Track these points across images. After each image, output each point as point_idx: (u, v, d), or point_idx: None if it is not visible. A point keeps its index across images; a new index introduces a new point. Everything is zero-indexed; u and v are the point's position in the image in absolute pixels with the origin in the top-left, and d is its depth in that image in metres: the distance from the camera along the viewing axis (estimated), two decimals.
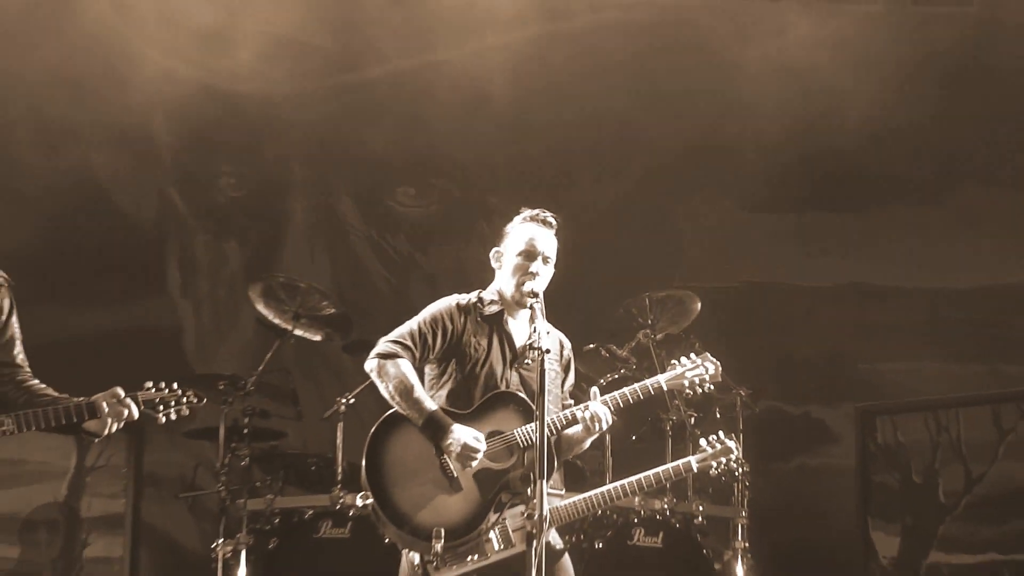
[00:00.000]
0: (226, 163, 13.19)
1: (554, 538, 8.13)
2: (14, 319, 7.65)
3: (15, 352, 7.65)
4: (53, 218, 12.54)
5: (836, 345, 13.04)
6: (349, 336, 11.22)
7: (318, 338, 11.28)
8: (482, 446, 8.02)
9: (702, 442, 8.61)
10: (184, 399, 7.80)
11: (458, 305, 8.30)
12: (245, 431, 10.82)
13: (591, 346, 10.87)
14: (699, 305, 11.09)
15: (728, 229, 13.19)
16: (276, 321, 11.13)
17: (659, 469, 8.52)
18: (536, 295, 8.07)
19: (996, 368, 12.26)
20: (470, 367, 8.26)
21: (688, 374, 8.41)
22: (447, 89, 12.15)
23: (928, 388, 11.85)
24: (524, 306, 8.16)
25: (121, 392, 7.58)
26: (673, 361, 8.57)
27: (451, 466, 8.07)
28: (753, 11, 12.53)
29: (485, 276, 8.51)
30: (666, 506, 10.68)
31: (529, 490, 7.78)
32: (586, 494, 8.37)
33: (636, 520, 10.57)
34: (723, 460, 8.55)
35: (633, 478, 8.43)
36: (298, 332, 11.14)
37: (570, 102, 12.51)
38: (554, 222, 8.28)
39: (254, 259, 13.10)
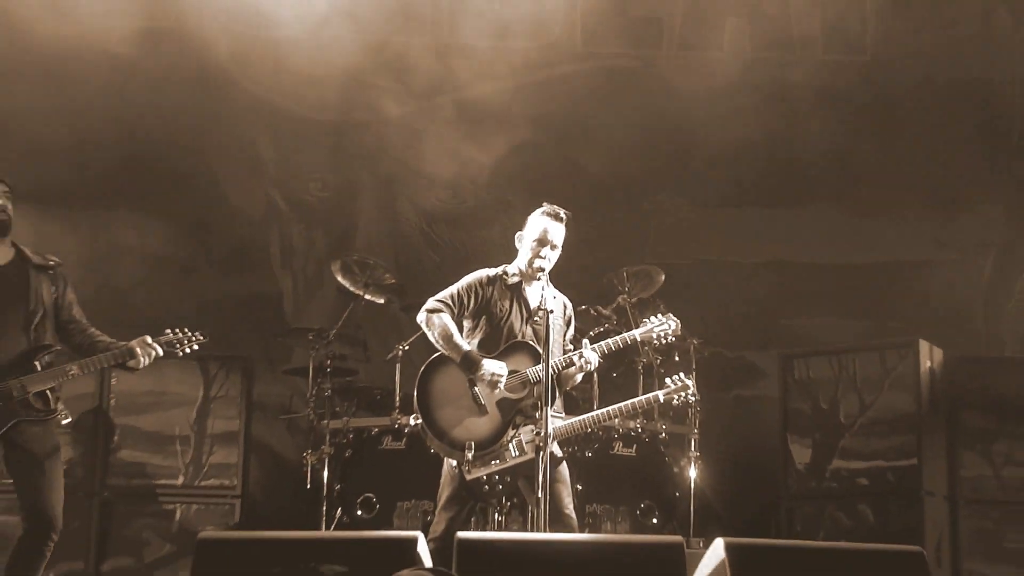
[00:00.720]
0: (314, 172, 13.18)
1: (556, 449, 8.18)
2: (70, 290, 8.06)
3: (74, 312, 8.05)
4: (190, 218, 12.60)
5: (765, 306, 13.03)
6: (404, 300, 11.23)
7: (381, 301, 11.29)
8: (505, 372, 8.10)
9: (667, 380, 8.66)
10: (192, 337, 8.22)
11: (488, 276, 8.41)
12: (328, 370, 10.85)
13: (583, 307, 10.85)
14: (663, 277, 11.10)
15: (684, 220, 13.17)
16: (351, 288, 11.14)
17: (635, 400, 8.59)
18: (543, 270, 8.18)
19: (883, 323, 12.31)
20: (496, 323, 8.36)
21: (656, 329, 8.47)
22: (472, 120, 12.16)
23: (832, 337, 11.87)
24: (535, 279, 8.22)
25: (149, 338, 8.01)
26: (644, 319, 8.63)
27: (480, 395, 8.13)
28: (705, 61, 12.52)
29: (503, 255, 8.60)
30: (638, 426, 10.69)
31: (537, 414, 7.88)
32: (580, 417, 8.44)
33: (616, 436, 10.57)
34: (682, 394, 8.60)
35: (615, 406, 8.48)
36: (367, 297, 11.16)
37: (569, 126, 12.51)
38: (564, 216, 8.35)
39: (335, 243, 13.11)
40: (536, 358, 8.14)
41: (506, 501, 9.18)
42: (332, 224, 13.32)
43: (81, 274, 9.62)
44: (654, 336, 8.49)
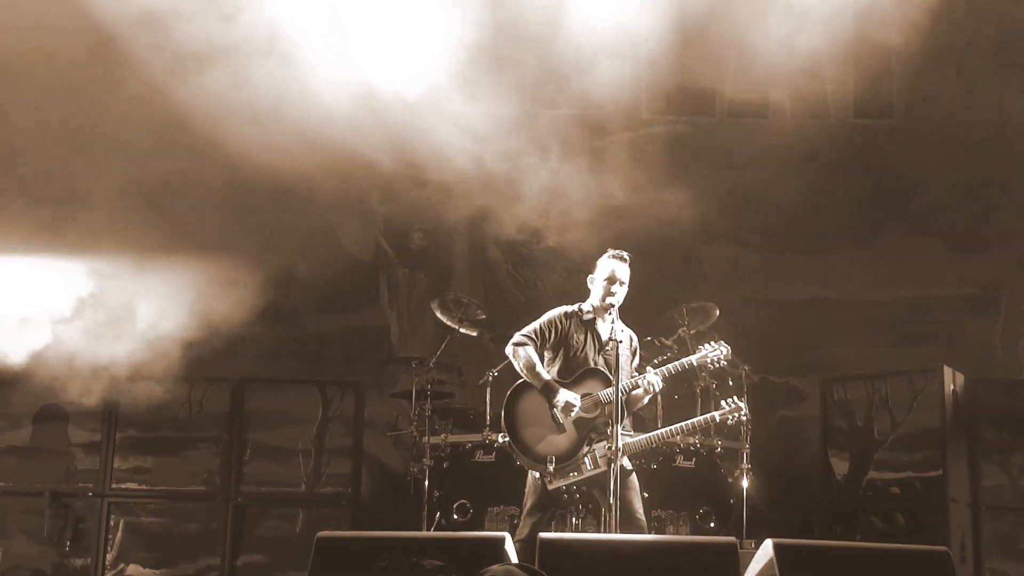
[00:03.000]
0: (417, 223, 13.21)
1: (626, 462, 8.14)
2: None
3: None
4: (311, 264, 12.65)
5: (806, 338, 12.90)
6: (493, 332, 11.23)
7: (474, 334, 11.25)
8: (578, 403, 8.09)
9: (723, 403, 8.67)
10: None
11: (565, 313, 8.46)
12: (428, 393, 10.83)
13: (648, 338, 10.82)
14: (718, 312, 11.00)
15: (736, 264, 13.10)
16: (448, 323, 11.13)
17: (694, 420, 8.62)
18: (613, 306, 8.23)
19: (910, 351, 12.15)
20: (572, 353, 8.39)
21: (710, 354, 8.46)
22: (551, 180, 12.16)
23: (866, 364, 11.71)
24: (607, 314, 8.23)
25: None
26: (700, 346, 8.60)
27: (558, 416, 8.11)
28: (751, 126, 12.48)
29: (575, 294, 8.69)
30: (696, 442, 10.59)
31: (608, 431, 7.83)
32: (647, 435, 8.43)
33: (678, 451, 10.47)
34: (736, 414, 8.57)
35: (677, 425, 8.51)
36: (462, 330, 11.15)
37: (636, 182, 12.46)
38: (627, 257, 8.40)
39: (434, 283, 13.11)
40: (606, 383, 8.14)
41: (582, 508, 9.13)
42: (431, 267, 13.34)
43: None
44: (708, 360, 8.47)
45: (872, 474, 10.14)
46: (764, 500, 11.25)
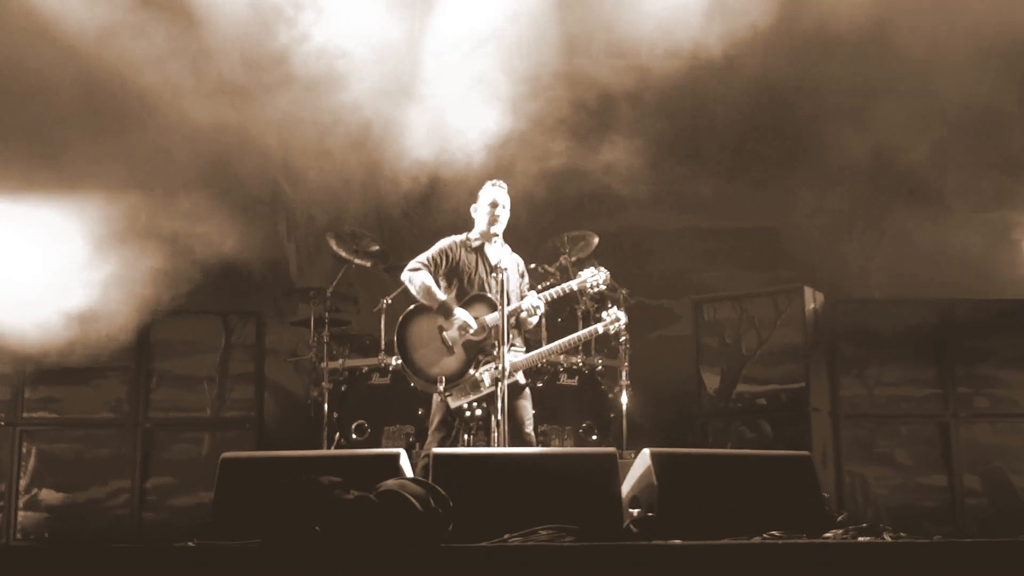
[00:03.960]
0: (313, 159, 13.00)
1: (520, 378, 8.18)
2: None
3: None
4: (213, 200, 12.38)
5: (680, 263, 13.04)
6: (387, 263, 11.19)
7: (369, 264, 11.22)
8: (473, 323, 8.10)
9: (603, 314, 8.68)
10: None
11: (456, 242, 8.49)
12: (326, 321, 10.82)
13: (532, 266, 10.83)
14: (597, 239, 11.08)
15: (615, 193, 13.10)
16: (344, 255, 11.08)
17: (580, 332, 8.66)
18: (498, 232, 8.44)
19: (776, 274, 12.29)
20: (467, 279, 8.38)
21: (588, 279, 8.48)
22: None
23: (734, 286, 11.80)
24: (493, 239, 8.39)
25: None
26: (580, 272, 8.62)
27: (448, 338, 8.10)
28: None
29: (464, 227, 8.70)
30: (579, 361, 10.67)
31: (496, 352, 7.83)
32: (535, 351, 8.41)
33: (561, 370, 10.57)
34: (616, 324, 8.59)
35: (562, 340, 8.49)
36: (357, 261, 11.10)
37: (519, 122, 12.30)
38: (504, 185, 8.54)
39: (332, 217, 12.98)
40: (493, 307, 8.12)
41: (474, 425, 9.16)
42: (327, 202, 13.19)
43: None
44: (588, 285, 8.50)
45: (741, 387, 10.24)
46: (642, 414, 11.35)
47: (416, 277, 8.32)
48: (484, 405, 8.20)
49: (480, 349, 8.16)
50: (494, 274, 8.33)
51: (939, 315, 10.09)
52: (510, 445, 7.75)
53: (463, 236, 8.56)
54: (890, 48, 10.94)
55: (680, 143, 12.75)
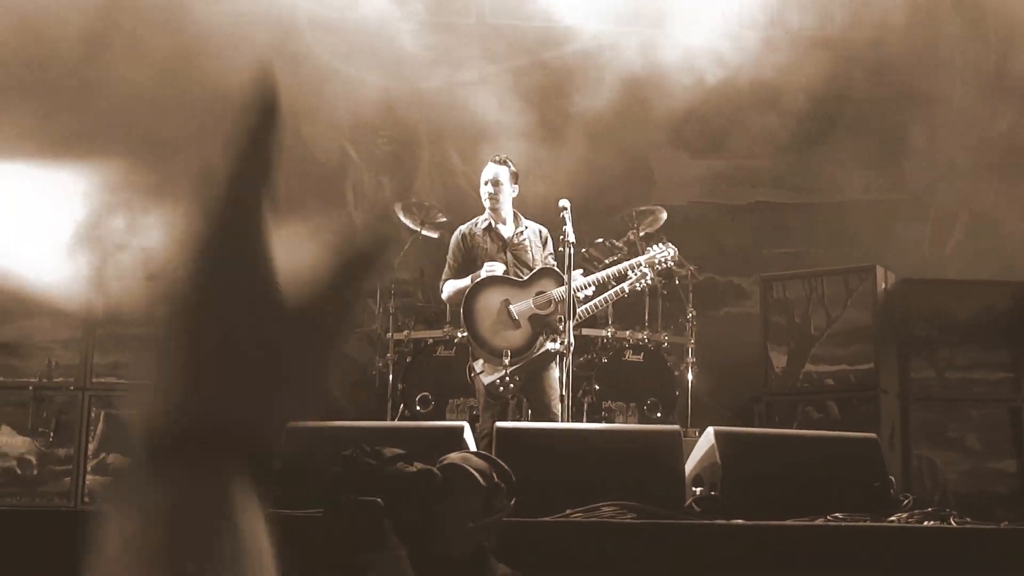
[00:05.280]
0: (382, 130, 13.14)
1: (551, 345, 8.22)
2: None
3: None
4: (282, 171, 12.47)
5: (750, 239, 12.98)
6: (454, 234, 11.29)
7: (435, 235, 11.27)
8: (499, 267, 8.27)
9: (649, 248, 8.67)
10: None
11: (462, 234, 8.77)
12: (392, 292, 10.91)
13: (600, 240, 10.89)
14: (665, 215, 11.06)
15: (683, 170, 13.12)
16: (411, 225, 11.15)
17: (618, 267, 8.57)
18: (497, 204, 8.58)
19: (846, 252, 12.14)
20: (481, 263, 8.39)
21: (657, 256, 8.48)
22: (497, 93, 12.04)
23: (804, 264, 11.74)
24: (501, 216, 8.66)
25: None
26: (648, 247, 8.62)
27: (514, 312, 8.13)
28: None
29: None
30: (645, 336, 10.69)
31: (561, 326, 7.87)
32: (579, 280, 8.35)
33: (627, 345, 10.59)
34: (664, 258, 8.55)
35: (602, 272, 8.52)
36: (424, 232, 11.17)
37: (587, 102, 12.31)
38: (505, 159, 8.72)
39: (399, 187, 13.10)
40: (559, 281, 8.13)
41: (514, 400, 9.21)
42: (396, 172, 13.31)
43: None
44: (656, 261, 8.50)
45: (808, 367, 10.18)
46: (707, 392, 11.36)
47: (445, 293, 8.51)
48: (517, 378, 8.18)
49: (546, 323, 8.20)
50: (508, 250, 8.40)
51: (1014, 298, 9.96)
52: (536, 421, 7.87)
53: (471, 222, 8.66)
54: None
55: (753, 116, 12.71)
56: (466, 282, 8.31)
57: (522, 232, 8.51)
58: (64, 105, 10.21)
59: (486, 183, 8.53)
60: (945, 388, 9.90)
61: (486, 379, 8.14)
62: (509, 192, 8.55)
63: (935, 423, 9.85)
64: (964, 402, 9.87)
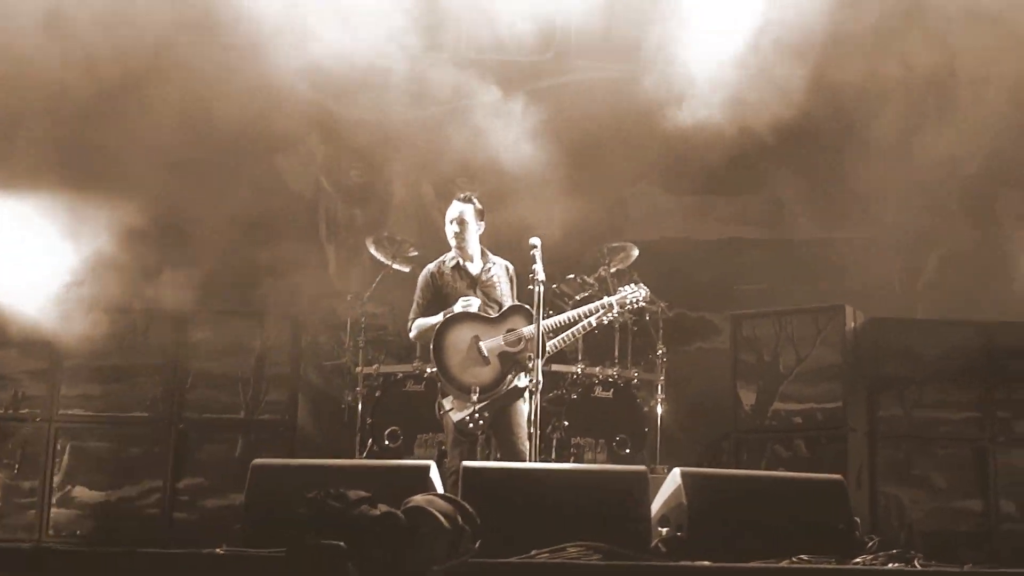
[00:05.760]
0: (355, 161, 13.14)
1: (520, 381, 8.20)
2: None
3: None
4: (253, 203, 12.49)
5: (721, 275, 13.02)
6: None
7: (407, 270, 11.27)
8: (473, 302, 8.36)
9: (621, 288, 8.66)
10: None
11: (430, 272, 8.75)
12: (363, 325, 10.92)
13: (571, 276, 10.92)
14: (636, 251, 11.11)
15: (657, 205, 13.16)
16: (382, 259, 11.17)
17: (588, 306, 8.53)
18: (461, 243, 8.60)
19: (815, 287, 12.26)
20: (451, 301, 8.44)
21: (629, 296, 8.48)
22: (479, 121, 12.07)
23: (774, 301, 11.77)
24: (468, 254, 8.64)
25: None
26: (620, 288, 8.64)
27: (483, 348, 8.14)
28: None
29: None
30: (615, 373, 10.71)
31: (531, 364, 7.88)
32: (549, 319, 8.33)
33: (596, 382, 10.62)
34: (635, 298, 8.55)
35: (573, 312, 8.47)
36: (395, 266, 11.18)
37: (564, 131, 12.34)
38: (467, 196, 8.74)
39: (371, 220, 13.10)
40: (530, 319, 8.13)
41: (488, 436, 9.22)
42: (368, 205, 13.30)
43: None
44: (628, 301, 8.50)
45: (777, 405, 10.21)
46: (677, 428, 11.39)
47: (414, 332, 8.58)
48: (486, 414, 8.14)
49: (515, 361, 8.20)
50: (478, 287, 8.42)
51: (983, 337, 10.02)
52: (503, 458, 7.88)
53: (439, 260, 8.67)
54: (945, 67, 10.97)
55: (723, 153, 12.77)
56: (437, 319, 8.33)
57: (490, 268, 8.55)
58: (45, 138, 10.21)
59: (451, 222, 8.55)
60: (912, 426, 9.94)
61: (455, 416, 8.13)
62: (475, 230, 8.57)
63: (902, 461, 9.89)
64: (931, 440, 9.92)
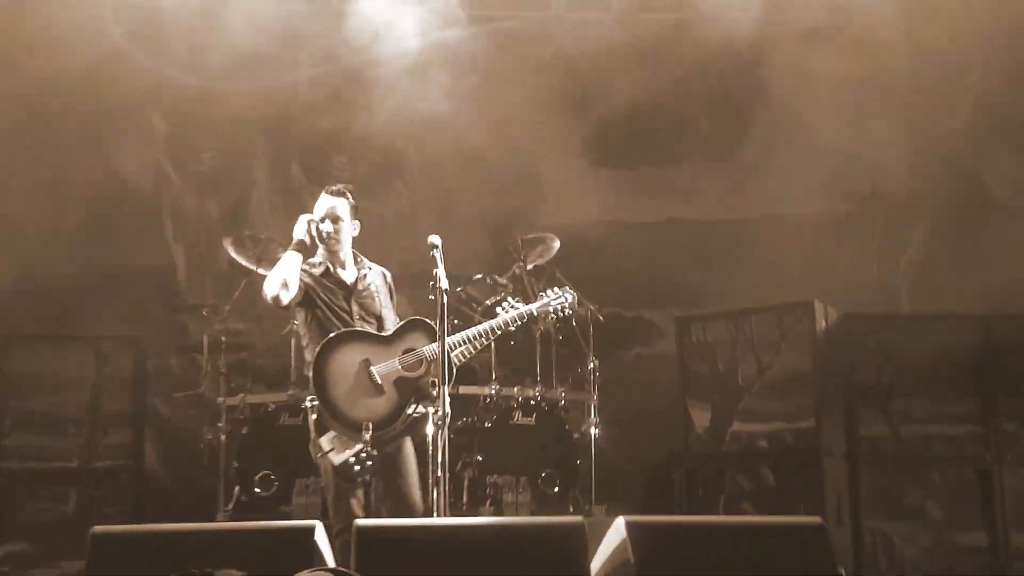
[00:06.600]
0: (206, 141, 13.00)
1: (420, 409, 8.11)
2: None
3: None
4: (77, 188, 12.30)
5: (660, 265, 13.06)
6: None
7: None
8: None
9: (542, 294, 8.55)
10: None
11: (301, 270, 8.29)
12: (223, 345, 10.78)
13: (478, 276, 10.86)
14: (558, 243, 11.06)
15: (578, 182, 13.13)
16: (244, 263, 11.03)
17: (502, 317, 8.37)
18: (337, 245, 8.33)
19: (774, 277, 12.24)
20: (320, 311, 8.25)
21: (553, 303, 8.41)
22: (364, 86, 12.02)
23: (726, 293, 11.82)
24: (340, 258, 8.37)
25: None
26: (541, 293, 8.55)
27: (376, 374, 8.03)
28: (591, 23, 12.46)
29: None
30: (537, 394, 10.67)
31: (435, 392, 7.78)
32: (455, 335, 8.16)
33: (515, 405, 10.58)
34: (560, 306, 8.45)
35: (484, 325, 8.31)
36: (261, 271, 11.02)
37: (455, 91, 12.33)
38: (342, 189, 8.44)
39: (228, 213, 12.97)
40: (431, 336, 8.03)
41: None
42: (224, 195, 13.14)
43: None
44: (551, 310, 8.42)
45: (737, 426, 10.25)
46: (616, 458, 11.39)
47: (270, 285, 8.11)
48: (375, 453, 7.99)
49: (415, 388, 8.09)
50: (353, 298, 8.27)
51: (980, 334, 10.13)
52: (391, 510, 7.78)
53: (305, 265, 8.41)
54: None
55: (658, 111, 12.81)
56: (294, 263, 8.08)
57: (365, 276, 8.37)
58: None
59: (323, 220, 8.36)
60: (900, 446, 10.02)
61: (336, 458, 7.98)
62: (349, 230, 8.41)
63: (890, 489, 9.97)
64: (924, 462, 10.00)
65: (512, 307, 8.30)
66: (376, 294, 8.31)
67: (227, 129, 12.74)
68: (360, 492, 8.11)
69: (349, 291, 8.30)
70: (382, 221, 11.71)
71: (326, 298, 8.23)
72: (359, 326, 8.20)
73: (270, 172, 13.09)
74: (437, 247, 8.01)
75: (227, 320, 10.92)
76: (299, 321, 8.35)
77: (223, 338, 10.82)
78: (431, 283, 7.90)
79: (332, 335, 8.17)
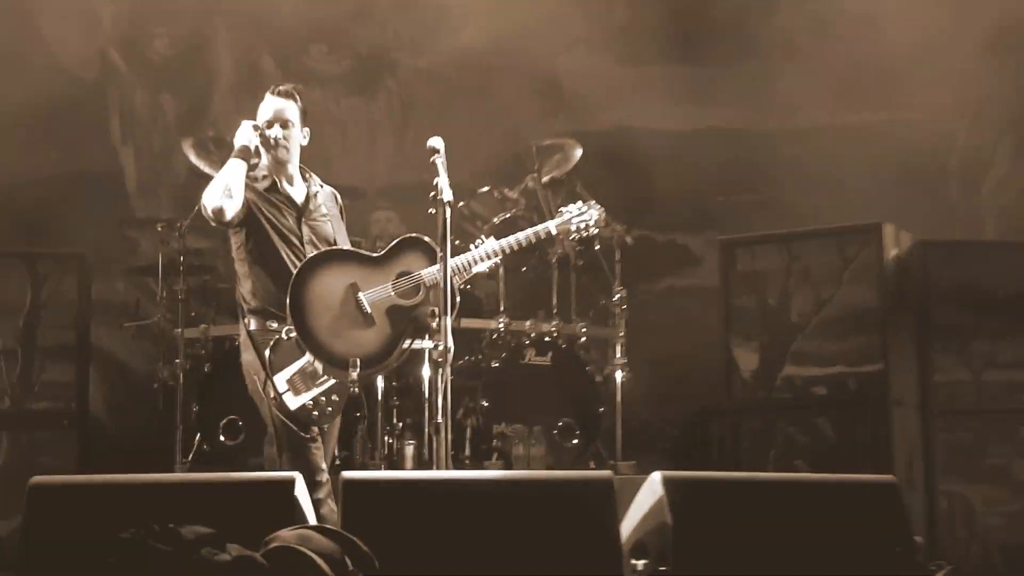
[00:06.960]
0: (160, 25, 12.95)
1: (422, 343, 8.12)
2: None
3: None
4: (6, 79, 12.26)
5: (700, 180, 13.01)
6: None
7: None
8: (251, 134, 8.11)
9: (563, 209, 8.48)
10: None
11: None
12: (181, 268, 10.77)
13: (485, 189, 10.84)
14: (579, 152, 11.02)
15: (605, 82, 13.09)
16: (207, 170, 10.99)
17: (520, 234, 8.33)
18: (287, 155, 8.24)
19: (838, 197, 12.22)
20: (265, 231, 8.18)
21: (575, 220, 8.36)
22: None
23: (779, 216, 11.80)
24: (286, 170, 8.29)
25: None
26: (561, 208, 8.50)
27: (365, 302, 8.01)
28: None
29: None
30: (553, 329, 10.67)
31: (435, 323, 7.76)
32: (457, 258, 8.14)
33: (527, 342, 10.58)
34: (582, 222, 8.39)
35: (491, 244, 8.28)
36: None
37: None
38: (289, 89, 8.36)
39: (186, 111, 12.93)
40: (431, 257, 8.01)
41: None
42: (182, 88, 13.11)
43: None
44: (573, 228, 8.38)
45: (790, 369, 10.29)
46: (645, 404, 11.40)
47: (208, 198, 7.99)
48: (335, 398, 7.97)
49: (411, 319, 8.09)
50: (304, 219, 8.20)
51: None
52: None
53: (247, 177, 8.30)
54: None
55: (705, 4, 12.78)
56: (238, 170, 8.01)
57: (316, 195, 8.30)
58: None
59: (270, 124, 8.30)
60: (983, 396, 10.04)
61: (293, 402, 7.96)
62: (299, 137, 8.35)
63: (970, 446, 10.00)
64: (1010, 415, 10.02)
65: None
66: (328, 216, 8.26)
67: (185, 10, 12.69)
68: (313, 446, 8.07)
69: (299, 211, 8.21)
70: (369, 124, 11.65)
71: (271, 217, 8.13)
72: (309, 251, 8.14)
73: (236, 62, 13.04)
74: (439, 151, 7.96)
75: (185, 237, 10.91)
76: (235, 245, 8.23)
77: (181, 258, 10.83)
78: (431, 195, 7.86)
79: (315, 254, 8.15)
